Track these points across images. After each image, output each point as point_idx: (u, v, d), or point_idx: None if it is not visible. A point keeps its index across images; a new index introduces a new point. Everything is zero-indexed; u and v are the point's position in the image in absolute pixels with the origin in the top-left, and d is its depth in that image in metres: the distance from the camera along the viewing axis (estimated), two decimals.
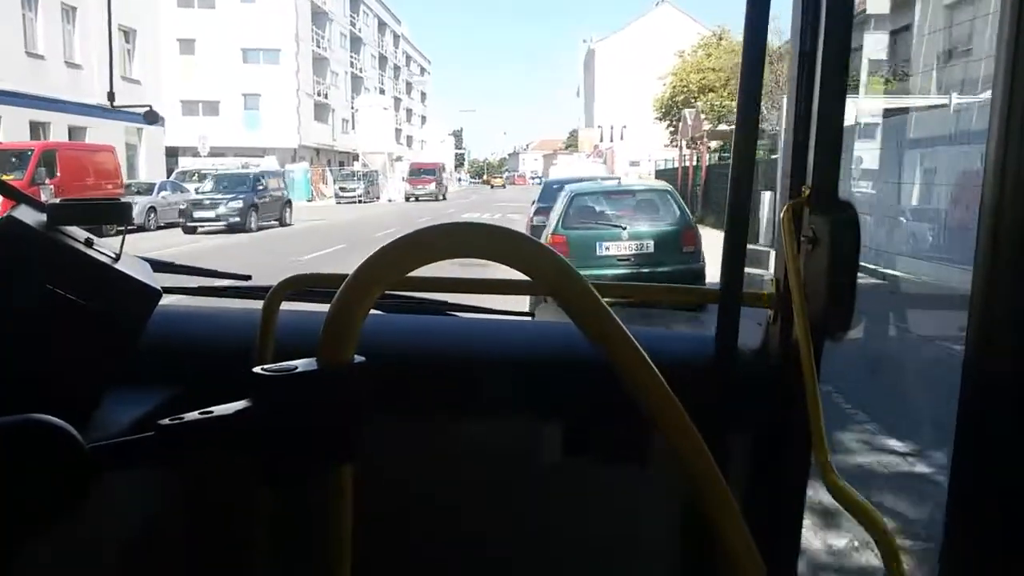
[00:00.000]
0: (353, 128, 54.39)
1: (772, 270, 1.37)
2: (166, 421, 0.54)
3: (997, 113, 0.57)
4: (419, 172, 48.07)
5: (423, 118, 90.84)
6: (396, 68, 77.04)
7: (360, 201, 43.43)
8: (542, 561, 1.44)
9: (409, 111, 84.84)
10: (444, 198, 47.43)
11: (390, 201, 46.75)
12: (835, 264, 1.13)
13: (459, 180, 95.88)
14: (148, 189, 23.10)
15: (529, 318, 1.73)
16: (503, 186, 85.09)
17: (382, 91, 63.39)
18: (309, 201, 44.37)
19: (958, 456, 0.61)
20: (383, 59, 70.36)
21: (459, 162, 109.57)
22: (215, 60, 43.98)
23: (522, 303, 2.16)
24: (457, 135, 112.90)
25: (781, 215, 1.26)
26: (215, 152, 45.32)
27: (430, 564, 1.44)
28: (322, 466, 0.58)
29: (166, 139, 42.32)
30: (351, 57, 58.53)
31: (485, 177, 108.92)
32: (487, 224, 0.57)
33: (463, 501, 1.44)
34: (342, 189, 44.43)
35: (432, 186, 46.12)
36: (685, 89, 36.81)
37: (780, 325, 1.32)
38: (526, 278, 0.57)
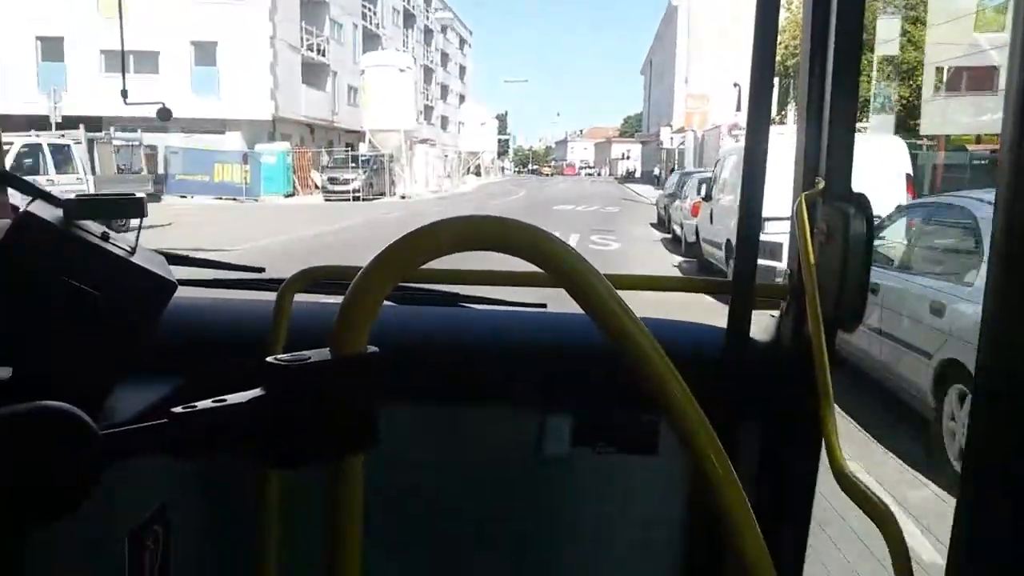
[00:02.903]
0: None
1: (785, 262, 1.40)
2: (179, 409, 0.55)
3: (1011, 111, 0.56)
4: None
5: (461, 97, 76.92)
6: (428, 31, 63.04)
7: (358, 198, 29.64)
8: (554, 550, 1.48)
9: (445, 87, 71.02)
10: None
11: (404, 198, 32.87)
12: (848, 255, 1.15)
13: (502, 169, 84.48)
14: None
15: (542, 309, 1.64)
16: (550, 175, 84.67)
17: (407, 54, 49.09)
18: (289, 196, 30.78)
19: (970, 450, 0.62)
20: (410, 16, 56.33)
21: (503, 149, 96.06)
22: None
23: (534, 295, 1.51)
24: (501, 119, 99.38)
25: (794, 207, 1.26)
26: (152, 126, 31.82)
27: (444, 553, 1.47)
28: (335, 455, 0.59)
29: (79, 106, 29.04)
30: (363, 6, 44.56)
31: (538, 167, 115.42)
32: (499, 216, 0.57)
33: (476, 490, 1.47)
34: (331, 180, 30.68)
35: None
36: (798, 51, 22.68)
37: (793, 316, 1.33)
38: (538, 270, 0.57)
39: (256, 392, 0.56)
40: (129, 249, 1.13)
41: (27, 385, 0.97)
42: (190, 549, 1.39)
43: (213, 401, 0.55)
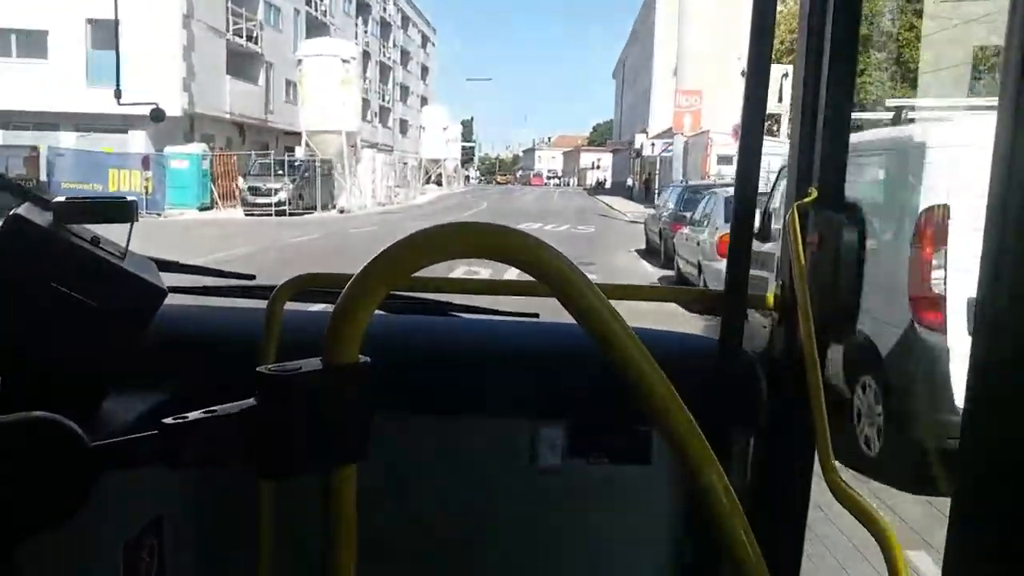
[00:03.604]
0: None
1: (776, 272, 1.38)
2: (170, 420, 0.55)
3: (1006, 111, 0.57)
4: None
5: (423, 99, 72.13)
6: (386, 25, 58.18)
7: (284, 212, 24.78)
8: (547, 561, 1.47)
9: (404, 88, 66.19)
10: None
11: (343, 212, 28.03)
12: (840, 265, 1.17)
13: (467, 178, 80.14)
14: None
15: (533, 318, 1.63)
16: (507, 183, 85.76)
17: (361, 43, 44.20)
18: (204, 210, 25.78)
19: (963, 455, 0.62)
20: (364, 6, 51.45)
21: (468, 157, 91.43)
22: None
23: (525, 304, 1.49)
24: (466, 125, 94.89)
25: (786, 216, 1.25)
26: (39, 122, 26.59)
27: (438, 564, 1.47)
28: (327, 466, 0.58)
29: None
30: None
31: (494, 176, 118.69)
32: (491, 223, 0.57)
33: (467, 501, 1.47)
34: (252, 191, 25.72)
35: None
36: (794, 45, 18.80)
37: (785, 326, 1.32)
38: (530, 278, 0.57)
39: (247, 402, 0.55)
40: (119, 254, 1.11)
41: (16, 395, 0.96)
42: (186, 561, 1.38)
43: (204, 412, 0.55)
